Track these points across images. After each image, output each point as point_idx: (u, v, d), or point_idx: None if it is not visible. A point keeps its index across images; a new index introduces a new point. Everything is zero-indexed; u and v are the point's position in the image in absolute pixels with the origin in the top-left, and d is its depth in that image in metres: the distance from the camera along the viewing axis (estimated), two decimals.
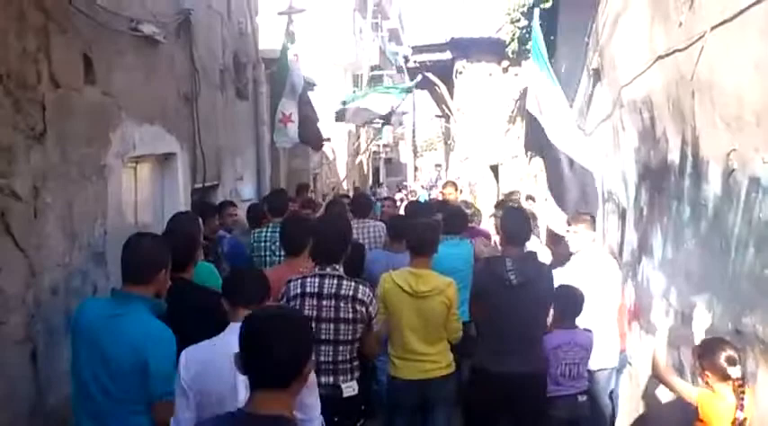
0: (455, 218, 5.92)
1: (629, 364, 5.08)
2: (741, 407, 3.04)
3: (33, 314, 3.58)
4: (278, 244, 4.93)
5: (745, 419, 3.04)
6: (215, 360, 2.70)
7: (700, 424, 3.22)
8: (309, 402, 2.67)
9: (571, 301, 4.37)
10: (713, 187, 3.63)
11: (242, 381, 2.62)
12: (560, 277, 4.64)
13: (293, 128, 8.54)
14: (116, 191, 4.63)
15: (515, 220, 4.39)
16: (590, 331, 4.40)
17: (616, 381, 4.93)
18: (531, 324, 4.14)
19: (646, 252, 4.85)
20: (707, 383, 3.23)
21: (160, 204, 5.84)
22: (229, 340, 2.68)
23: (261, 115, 9.66)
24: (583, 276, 4.59)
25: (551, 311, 4.36)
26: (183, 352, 2.74)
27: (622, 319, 4.93)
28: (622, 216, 5.46)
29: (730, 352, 3.12)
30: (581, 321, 4.42)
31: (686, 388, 3.44)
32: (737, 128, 3.31)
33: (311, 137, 9.01)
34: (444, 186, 9.45)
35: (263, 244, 5.45)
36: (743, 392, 3.05)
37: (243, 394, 2.62)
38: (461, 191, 11.38)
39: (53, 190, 3.80)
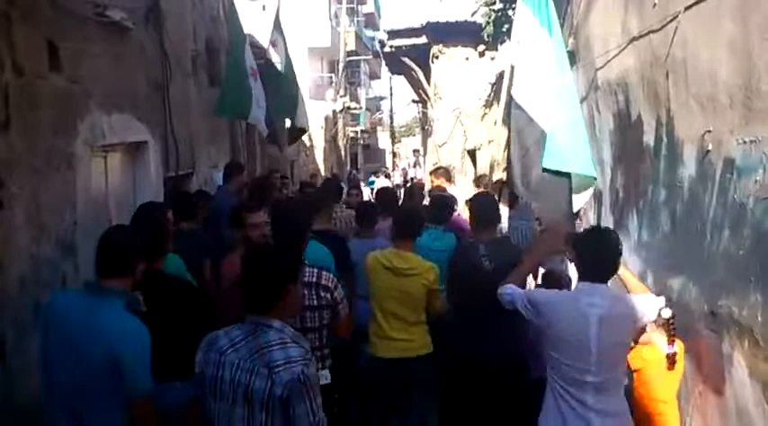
0: (439, 208, 5.58)
1: None
2: (672, 342, 3.42)
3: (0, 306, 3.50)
4: None
5: (675, 353, 3.42)
6: None
7: (635, 374, 3.58)
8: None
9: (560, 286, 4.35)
10: (688, 169, 3.62)
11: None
12: None
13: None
14: (85, 181, 4.54)
15: (485, 204, 4.38)
16: None
17: None
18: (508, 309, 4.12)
19: (622, 235, 4.83)
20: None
21: (132, 194, 5.73)
22: None
23: None
24: None
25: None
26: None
27: None
28: (598, 198, 5.46)
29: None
30: None
31: None
32: (712, 109, 3.30)
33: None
34: (432, 172, 8.14)
35: None
36: (674, 328, 3.41)
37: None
38: (452, 182, 8.64)
39: (19, 181, 3.70)
